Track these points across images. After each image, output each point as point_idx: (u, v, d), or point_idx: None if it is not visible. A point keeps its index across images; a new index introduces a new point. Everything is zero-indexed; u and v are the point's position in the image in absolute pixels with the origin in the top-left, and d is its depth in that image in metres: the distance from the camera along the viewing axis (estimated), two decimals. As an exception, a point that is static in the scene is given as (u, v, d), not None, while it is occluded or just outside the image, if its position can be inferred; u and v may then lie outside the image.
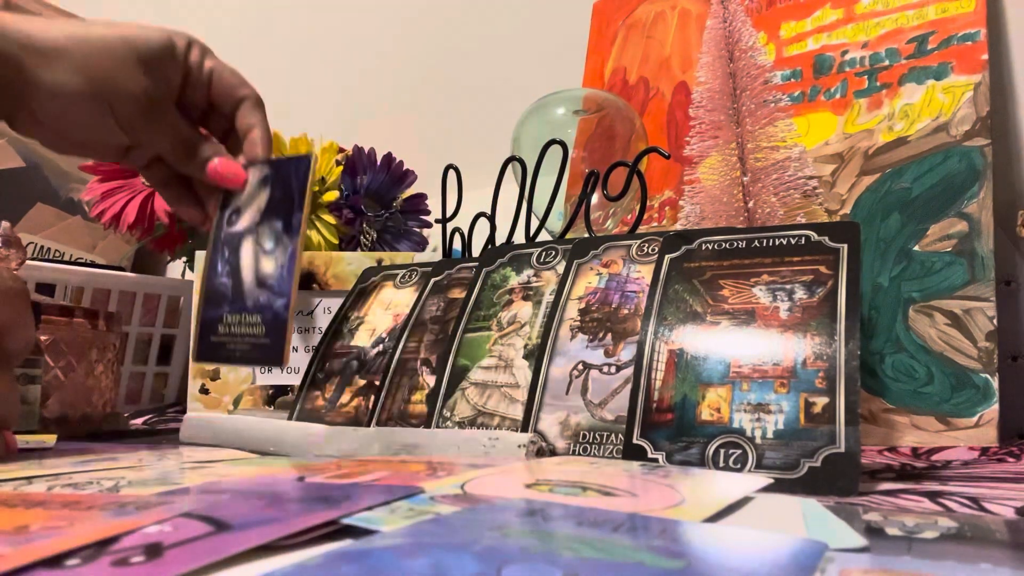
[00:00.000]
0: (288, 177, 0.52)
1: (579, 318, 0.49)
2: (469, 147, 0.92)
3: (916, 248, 0.60)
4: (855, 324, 0.40)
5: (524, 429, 0.46)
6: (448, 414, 0.49)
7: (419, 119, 1.08)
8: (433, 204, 0.86)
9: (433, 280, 0.59)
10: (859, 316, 0.41)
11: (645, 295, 0.47)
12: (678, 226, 0.69)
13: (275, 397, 0.71)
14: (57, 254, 1.09)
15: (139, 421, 0.79)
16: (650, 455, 0.40)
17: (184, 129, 0.49)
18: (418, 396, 0.52)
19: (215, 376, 0.72)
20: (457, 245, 0.62)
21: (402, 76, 1.11)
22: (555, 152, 0.56)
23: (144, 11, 1.31)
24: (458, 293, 0.57)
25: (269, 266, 0.51)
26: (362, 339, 0.59)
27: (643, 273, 0.49)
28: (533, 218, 0.58)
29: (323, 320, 0.71)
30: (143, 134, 0.47)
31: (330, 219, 0.79)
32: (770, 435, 0.38)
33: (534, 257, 0.55)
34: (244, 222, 0.52)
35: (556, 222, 0.64)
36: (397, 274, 0.63)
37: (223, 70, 0.50)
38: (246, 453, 0.50)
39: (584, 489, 0.30)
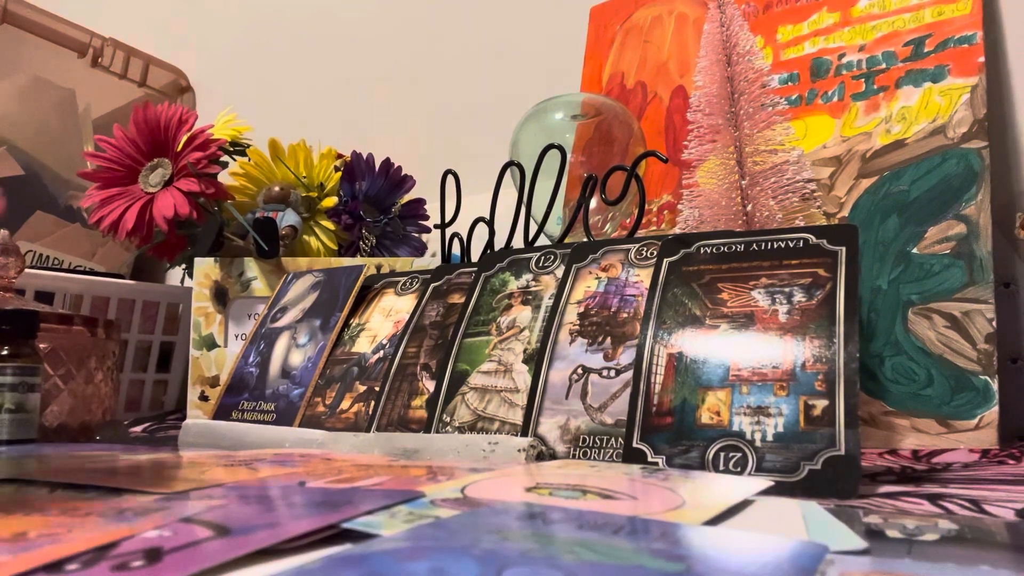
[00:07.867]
0: (339, 283, 0.54)
1: (578, 322, 0.49)
2: (467, 152, 0.92)
3: (915, 250, 0.60)
4: (854, 327, 0.40)
5: (524, 433, 0.46)
6: (448, 419, 0.49)
7: (417, 124, 1.08)
8: (432, 209, 0.86)
9: (432, 285, 0.59)
10: (858, 319, 0.41)
11: (644, 299, 0.47)
12: (676, 230, 0.69)
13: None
14: (56, 262, 1.08)
15: (139, 429, 0.78)
16: (650, 459, 0.40)
17: None
18: (418, 401, 0.52)
19: (215, 383, 0.71)
20: (456, 250, 0.62)
21: (400, 80, 1.11)
22: (553, 157, 0.56)
23: (144, 14, 1.31)
24: (457, 298, 0.57)
25: (297, 359, 0.53)
26: (363, 345, 0.59)
27: (642, 277, 0.49)
28: (532, 223, 0.58)
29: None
30: None
31: (329, 225, 0.79)
32: (770, 438, 0.38)
33: (533, 262, 0.55)
34: (287, 319, 0.54)
35: (555, 227, 0.64)
36: (399, 281, 0.63)
37: None
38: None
39: (584, 492, 0.30)
